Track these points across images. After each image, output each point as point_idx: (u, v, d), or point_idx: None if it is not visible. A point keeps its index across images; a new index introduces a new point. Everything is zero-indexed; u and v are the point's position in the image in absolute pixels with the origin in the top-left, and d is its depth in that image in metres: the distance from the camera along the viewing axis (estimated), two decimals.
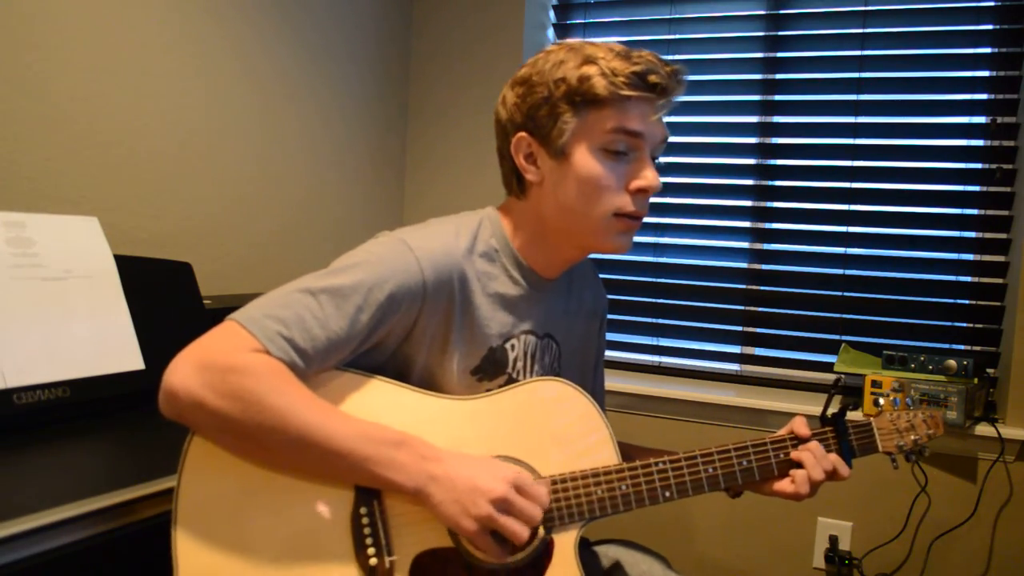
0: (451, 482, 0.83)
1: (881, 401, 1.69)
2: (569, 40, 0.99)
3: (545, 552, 0.92)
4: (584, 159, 0.95)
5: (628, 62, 0.93)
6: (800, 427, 1.04)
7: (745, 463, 1.00)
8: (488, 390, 1.00)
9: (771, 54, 2.10)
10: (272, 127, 1.88)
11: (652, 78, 0.93)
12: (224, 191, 1.76)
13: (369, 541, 0.85)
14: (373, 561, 0.84)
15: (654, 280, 2.21)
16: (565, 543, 0.92)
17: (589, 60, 0.94)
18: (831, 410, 1.09)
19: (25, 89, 1.33)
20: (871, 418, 1.09)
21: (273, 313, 0.84)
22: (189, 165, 1.67)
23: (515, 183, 1.02)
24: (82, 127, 1.44)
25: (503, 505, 0.84)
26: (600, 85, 0.92)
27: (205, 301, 1.33)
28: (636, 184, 0.96)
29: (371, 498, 0.86)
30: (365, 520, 0.85)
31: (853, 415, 1.09)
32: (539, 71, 0.97)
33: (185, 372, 0.80)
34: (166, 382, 0.80)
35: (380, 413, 0.90)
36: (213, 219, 1.74)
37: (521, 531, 0.84)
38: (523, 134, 0.98)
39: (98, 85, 1.46)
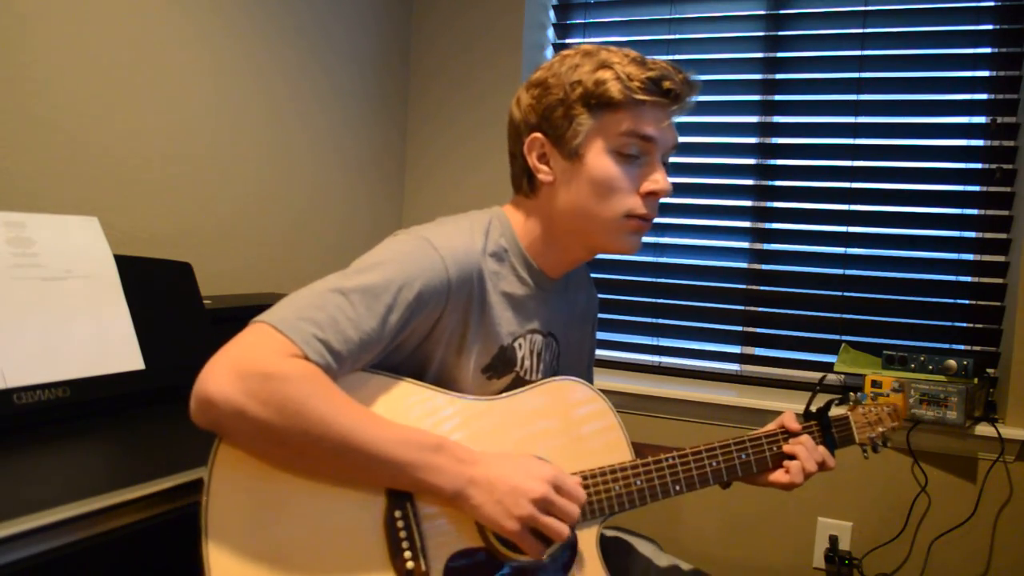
0: (490, 484, 0.85)
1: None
2: (584, 45, 1.00)
3: (569, 547, 0.94)
4: (598, 160, 0.97)
5: (643, 68, 0.95)
6: (790, 422, 1.10)
7: (744, 456, 1.06)
8: (502, 389, 1.02)
9: (771, 54, 2.10)
10: (274, 126, 1.88)
11: (666, 84, 0.95)
12: (225, 191, 1.76)
13: (405, 545, 0.84)
14: (410, 564, 0.83)
15: (654, 280, 2.21)
16: (587, 539, 0.95)
17: (605, 65, 0.96)
18: (816, 406, 1.15)
19: (25, 89, 1.33)
20: (848, 413, 1.17)
21: (306, 315, 0.83)
22: (190, 165, 1.67)
23: (526, 183, 1.04)
24: (82, 127, 1.43)
25: (544, 505, 0.86)
26: (615, 89, 0.94)
27: (205, 301, 1.32)
28: (648, 187, 0.98)
29: (404, 501, 0.86)
30: (400, 524, 0.84)
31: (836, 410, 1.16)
32: (555, 74, 0.99)
33: (222, 379, 0.77)
34: (201, 390, 0.77)
35: (412, 416, 0.91)
36: (213, 219, 1.74)
37: (563, 529, 0.86)
38: (537, 135, 1.00)
39: (99, 86, 1.46)
